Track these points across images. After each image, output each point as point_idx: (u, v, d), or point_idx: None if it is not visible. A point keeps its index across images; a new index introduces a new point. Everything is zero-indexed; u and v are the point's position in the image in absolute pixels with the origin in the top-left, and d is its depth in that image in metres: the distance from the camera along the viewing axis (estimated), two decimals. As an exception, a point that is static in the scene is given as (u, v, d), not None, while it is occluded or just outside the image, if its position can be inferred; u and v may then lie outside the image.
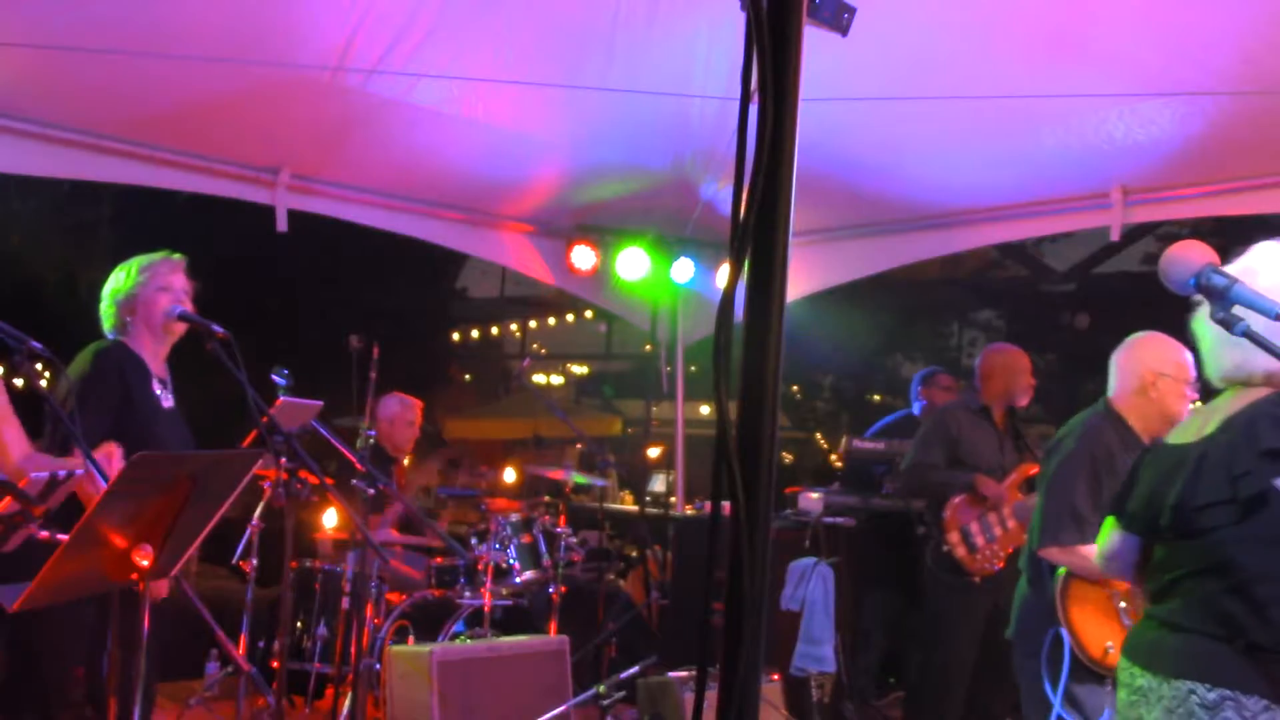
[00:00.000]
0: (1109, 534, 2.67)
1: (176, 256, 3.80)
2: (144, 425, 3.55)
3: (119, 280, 3.74)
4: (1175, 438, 2.53)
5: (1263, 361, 2.31)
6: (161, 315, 3.69)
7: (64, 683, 3.36)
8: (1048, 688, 3.47)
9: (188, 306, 3.73)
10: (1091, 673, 3.45)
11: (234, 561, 5.26)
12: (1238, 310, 2.12)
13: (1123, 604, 3.44)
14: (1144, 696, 2.36)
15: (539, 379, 22.25)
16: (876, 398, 18.37)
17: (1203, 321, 2.51)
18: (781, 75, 1.27)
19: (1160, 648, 2.37)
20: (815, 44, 1.32)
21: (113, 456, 3.12)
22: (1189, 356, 3.51)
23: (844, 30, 1.45)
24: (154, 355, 3.74)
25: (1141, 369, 3.63)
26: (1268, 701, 2.18)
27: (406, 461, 6.48)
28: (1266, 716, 2.18)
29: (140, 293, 3.71)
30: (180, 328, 3.73)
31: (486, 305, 21.39)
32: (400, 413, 6.22)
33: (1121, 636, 3.33)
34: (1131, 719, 2.40)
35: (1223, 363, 2.47)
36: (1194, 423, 2.51)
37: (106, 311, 3.75)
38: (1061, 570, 3.53)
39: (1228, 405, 2.43)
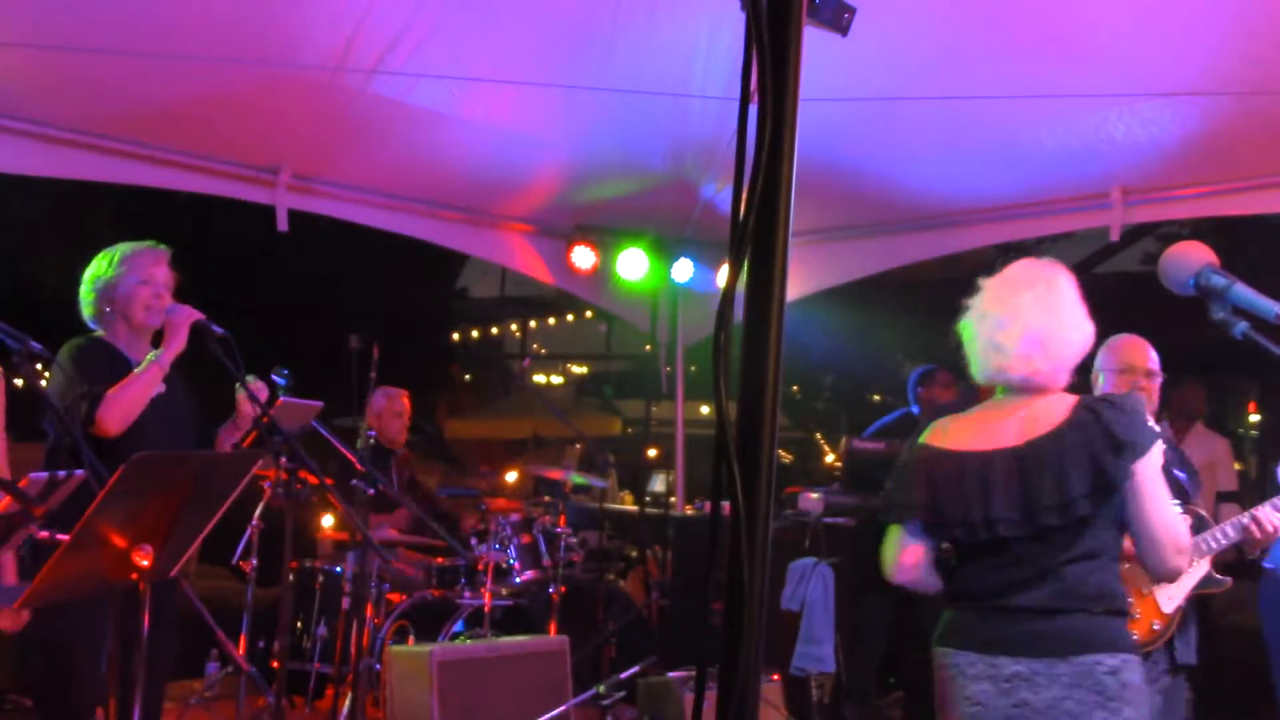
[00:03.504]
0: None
1: (162, 247, 3.66)
2: (136, 420, 3.46)
3: (100, 267, 3.60)
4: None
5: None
6: (140, 310, 3.57)
7: (90, 682, 3.31)
8: None
9: (169, 300, 3.60)
10: None
11: (234, 561, 5.27)
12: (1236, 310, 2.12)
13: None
14: None
15: (539, 379, 22.27)
16: (876, 398, 18.32)
17: (967, 322, 2.68)
18: (781, 75, 1.27)
19: None
20: (815, 44, 1.32)
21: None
22: (1154, 354, 3.75)
23: (844, 30, 1.45)
24: (133, 346, 3.61)
25: (1119, 366, 3.78)
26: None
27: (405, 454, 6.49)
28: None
29: (120, 284, 3.57)
30: (159, 320, 3.59)
31: (486, 305, 21.37)
32: (387, 405, 6.23)
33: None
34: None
35: (986, 364, 2.66)
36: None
37: (86, 297, 3.61)
38: None
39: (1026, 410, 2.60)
